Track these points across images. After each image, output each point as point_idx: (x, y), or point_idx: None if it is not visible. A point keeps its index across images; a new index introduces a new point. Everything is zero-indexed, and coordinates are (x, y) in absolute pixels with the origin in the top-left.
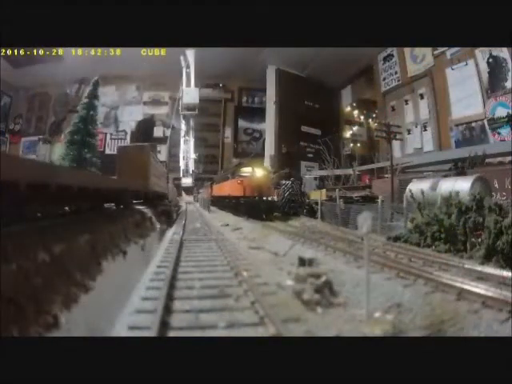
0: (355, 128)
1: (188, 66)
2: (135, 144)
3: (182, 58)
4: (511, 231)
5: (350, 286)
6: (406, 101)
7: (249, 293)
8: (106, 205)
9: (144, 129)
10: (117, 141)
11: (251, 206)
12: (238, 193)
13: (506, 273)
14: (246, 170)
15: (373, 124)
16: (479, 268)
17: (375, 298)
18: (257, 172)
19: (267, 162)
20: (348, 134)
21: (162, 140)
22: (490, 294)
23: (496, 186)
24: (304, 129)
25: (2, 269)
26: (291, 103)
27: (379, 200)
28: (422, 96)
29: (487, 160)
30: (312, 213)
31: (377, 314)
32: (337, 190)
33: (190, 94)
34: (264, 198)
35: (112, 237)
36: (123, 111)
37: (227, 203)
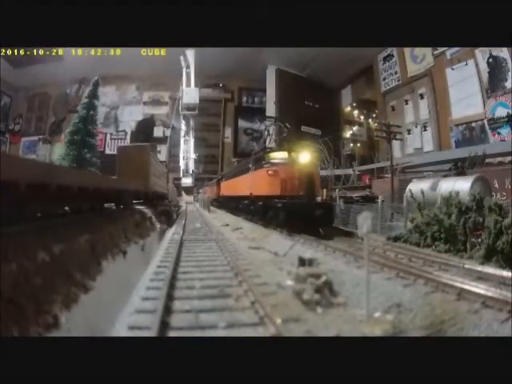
0: (355, 128)
1: (188, 66)
2: (135, 144)
3: (181, 58)
4: (511, 231)
5: (350, 285)
6: (406, 101)
7: (249, 293)
8: (106, 205)
9: (144, 129)
10: (117, 141)
11: (298, 214)
12: (269, 190)
13: (505, 273)
14: (279, 156)
15: (373, 124)
16: (479, 268)
17: (375, 297)
18: (301, 157)
19: None
20: (348, 134)
21: (162, 140)
22: (490, 294)
23: (496, 186)
24: (304, 129)
25: (2, 269)
26: (291, 103)
27: (379, 200)
28: (421, 96)
29: (487, 160)
30: None
31: (377, 314)
32: (337, 189)
33: (190, 94)
34: (318, 200)
35: (112, 237)
36: (123, 111)
37: (246, 207)
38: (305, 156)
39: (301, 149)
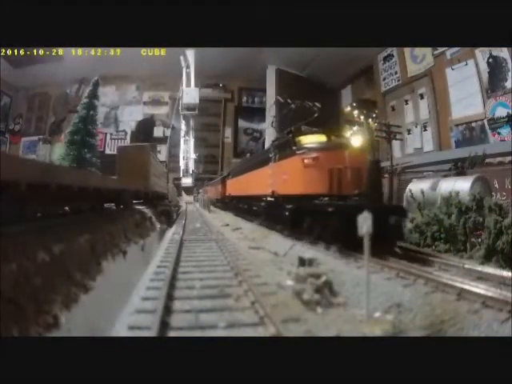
0: (355, 128)
1: (188, 66)
2: (135, 144)
3: (181, 58)
4: (511, 231)
5: (350, 285)
6: (406, 101)
7: (249, 293)
8: (106, 205)
9: (144, 129)
10: (117, 141)
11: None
12: (306, 187)
13: (505, 273)
14: (318, 139)
15: (373, 124)
16: (479, 268)
17: (375, 297)
18: (352, 140)
19: None
20: (348, 133)
21: (162, 140)
22: (490, 294)
23: (496, 186)
24: (304, 128)
25: (2, 269)
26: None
27: None
28: (421, 96)
29: (487, 160)
30: None
31: (377, 314)
32: None
33: (190, 94)
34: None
35: (112, 237)
36: (123, 111)
37: (266, 210)
38: (357, 139)
39: (345, 129)
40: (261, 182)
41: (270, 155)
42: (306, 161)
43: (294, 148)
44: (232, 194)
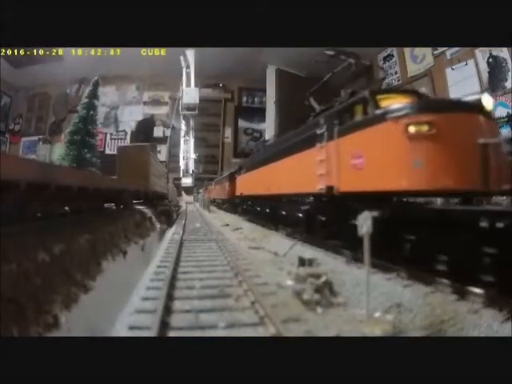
0: None
1: (188, 66)
2: (135, 144)
3: (181, 58)
4: None
5: (350, 285)
6: None
7: (249, 293)
8: (106, 205)
9: (144, 129)
10: (117, 141)
11: None
12: (419, 179)
13: None
14: (398, 98)
15: None
16: None
17: (375, 297)
18: (485, 99)
19: None
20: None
21: (162, 140)
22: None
23: None
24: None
25: (2, 269)
26: (291, 103)
27: None
28: None
29: None
30: None
31: (377, 314)
32: None
33: (190, 94)
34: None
35: (112, 237)
36: (123, 111)
37: (316, 218)
38: (487, 99)
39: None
40: (300, 173)
41: (319, 131)
42: (412, 129)
43: (378, 111)
44: (245, 194)
